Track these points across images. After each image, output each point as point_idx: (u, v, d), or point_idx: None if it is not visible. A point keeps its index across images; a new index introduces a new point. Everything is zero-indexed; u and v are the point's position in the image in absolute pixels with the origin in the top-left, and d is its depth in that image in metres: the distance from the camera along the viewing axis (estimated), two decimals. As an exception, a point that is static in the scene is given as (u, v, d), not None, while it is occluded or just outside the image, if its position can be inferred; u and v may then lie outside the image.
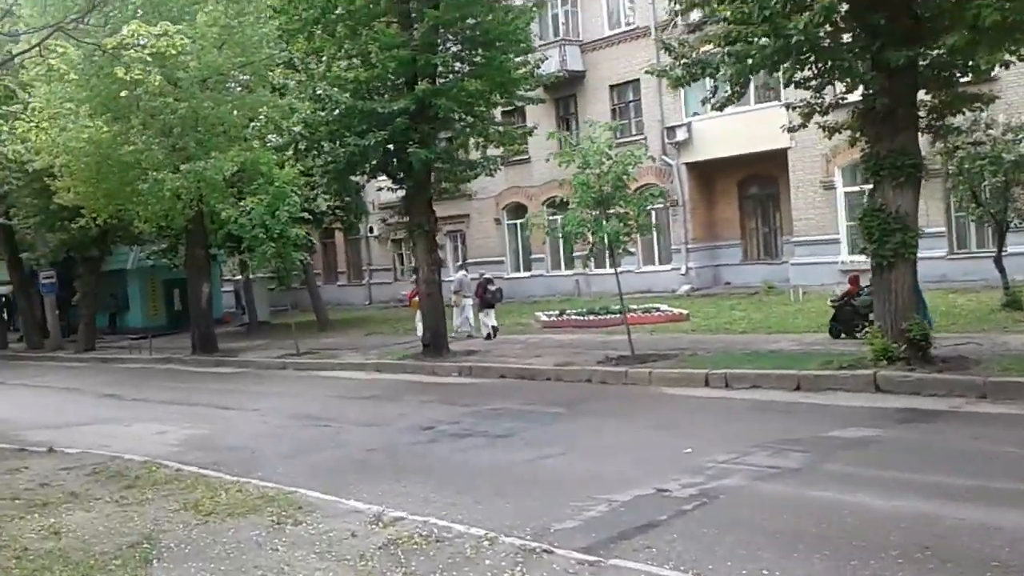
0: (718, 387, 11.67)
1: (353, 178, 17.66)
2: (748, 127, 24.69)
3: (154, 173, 20.17)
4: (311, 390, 15.78)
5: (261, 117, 18.11)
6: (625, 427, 10.05)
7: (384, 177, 18.88)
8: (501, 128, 18.06)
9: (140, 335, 31.92)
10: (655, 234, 28.20)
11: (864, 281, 14.98)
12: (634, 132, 28.49)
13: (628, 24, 28.33)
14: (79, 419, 14.38)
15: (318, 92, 14.89)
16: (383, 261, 38.35)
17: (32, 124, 21.74)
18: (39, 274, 31.72)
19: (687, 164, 26.64)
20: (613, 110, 28.80)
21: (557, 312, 22.57)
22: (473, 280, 21.66)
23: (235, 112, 21.14)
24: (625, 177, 13.86)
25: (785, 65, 10.45)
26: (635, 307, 21.80)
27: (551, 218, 15.78)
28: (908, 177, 10.56)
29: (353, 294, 39.37)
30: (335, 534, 6.14)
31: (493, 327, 19.94)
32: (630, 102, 28.62)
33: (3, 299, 37.69)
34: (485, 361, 15.98)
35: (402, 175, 17.16)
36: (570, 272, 30.55)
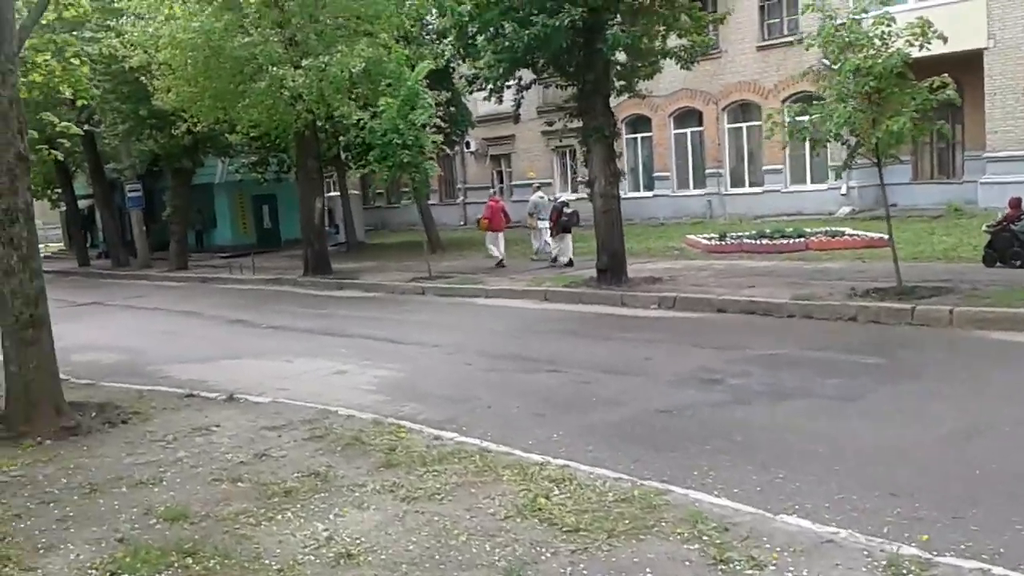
0: (1067, 333, 9.01)
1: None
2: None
3: (273, 69, 17.64)
4: (483, 321, 13.43)
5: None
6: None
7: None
8: (691, 13, 15.04)
9: (230, 254, 30.03)
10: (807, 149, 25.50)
11: (1025, 204, 13.47)
12: (786, 32, 25.19)
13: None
14: (222, 351, 12.20)
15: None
16: (480, 179, 35.67)
17: (133, 14, 19.37)
18: (124, 187, 29.73)
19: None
20: (761, 8, 25.46)
21: (717, 236, 19.83)
22: (550, 202, 20.00)
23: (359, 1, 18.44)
24: (908, 62, 10.96)
25: None
26: (809, 230, 19.03)
27: (799, 117, 12.55)
28: None
29: (446, 214, 36.78)
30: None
31: (569, 257, 18.58)
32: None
33: (83, 213, 35.90)
34: (684, 291, 13.42)
35: (575, 68, 14.40)
36: (700, 192, 27.68)
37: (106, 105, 25.19)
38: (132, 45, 19.76)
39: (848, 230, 18.90)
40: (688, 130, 27.88)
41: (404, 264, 22.38)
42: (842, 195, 24.01)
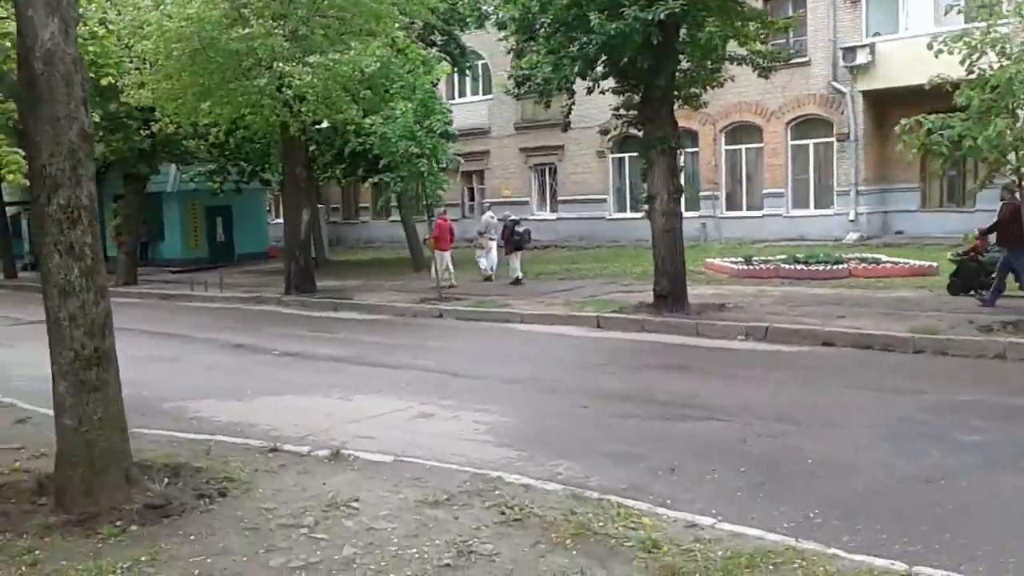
0: None
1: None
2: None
3: (280, 65, 15.69)
4: (543, 351, 11.75)
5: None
6: None
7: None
8: (763, 18, 13.84)
9: (181, 268, 27.55)
10: (812, 174, 24.74)
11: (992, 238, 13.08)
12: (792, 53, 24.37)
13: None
14: (249, 384, 10.08)
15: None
16: (450, 196, 33.75)
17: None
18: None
19: (864, 92, 22.67)
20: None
21: (743, 259, 18.63)
22: (500, 222, 19.51)
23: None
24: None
25: None
26: (846, 256, 17.90)
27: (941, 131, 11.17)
28: None
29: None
30: None
31: (518, 276, 18.33)
32: (790, 17, 24.26)
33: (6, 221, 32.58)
34: (769, 321, 12.03)
35: (643, 72, 12.94)
36: (694, 214, 26.53)
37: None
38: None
39: (884, 257, 17.91)
40: (683, 151, 26.71)
41: (392, 283, 20.59)
42: (850, 221, 23.17)
